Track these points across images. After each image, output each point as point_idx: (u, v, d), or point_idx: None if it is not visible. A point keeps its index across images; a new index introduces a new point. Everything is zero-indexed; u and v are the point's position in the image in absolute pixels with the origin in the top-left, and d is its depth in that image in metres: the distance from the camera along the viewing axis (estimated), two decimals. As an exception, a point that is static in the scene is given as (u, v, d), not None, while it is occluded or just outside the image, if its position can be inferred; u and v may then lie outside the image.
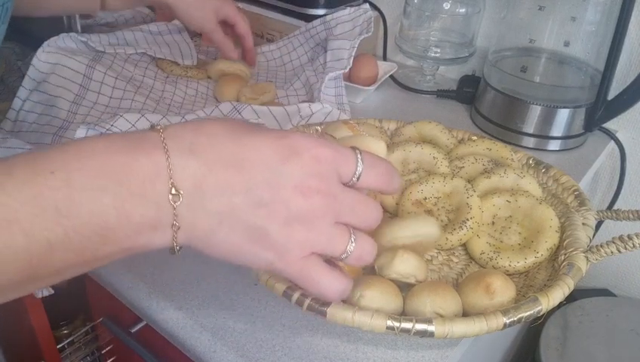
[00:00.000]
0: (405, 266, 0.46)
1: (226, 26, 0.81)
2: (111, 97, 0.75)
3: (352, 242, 0.34)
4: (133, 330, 0.57)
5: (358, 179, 0.34)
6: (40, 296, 0.59)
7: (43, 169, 0.28)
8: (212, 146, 0.31)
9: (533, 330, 0.89)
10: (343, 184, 0.34)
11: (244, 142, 0.32)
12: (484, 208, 0.55)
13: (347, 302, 0.43)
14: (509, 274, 0.51)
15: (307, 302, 0.42)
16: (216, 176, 0.31)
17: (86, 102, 0.72)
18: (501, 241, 0.53)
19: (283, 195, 0.31)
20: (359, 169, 0.34)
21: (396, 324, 0.40)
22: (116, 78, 0.76)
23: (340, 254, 0.34)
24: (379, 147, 0.42)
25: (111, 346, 0.70)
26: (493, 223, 0.55)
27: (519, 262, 0.51)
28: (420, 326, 0.40)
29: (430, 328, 0.40)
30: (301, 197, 0.32)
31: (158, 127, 0.31)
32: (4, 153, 0.60)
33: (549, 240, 0.51)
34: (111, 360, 0.72)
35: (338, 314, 0.41)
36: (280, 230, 0.32)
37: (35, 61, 0.73)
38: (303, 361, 0.44)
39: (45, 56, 0.73)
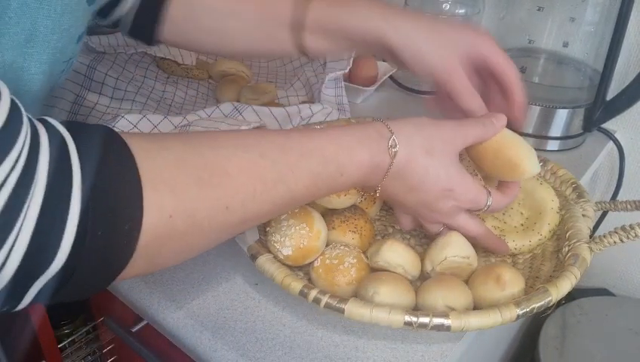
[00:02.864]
0: (392, 255, 0.47)
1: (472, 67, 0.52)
2: (112, 98, 0.75)
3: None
4: (134, 330, 0.57)
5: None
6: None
7: (337, 170, 0.41)
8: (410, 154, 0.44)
9: (532, 329, 0.89)
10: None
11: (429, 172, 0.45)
12: None
13: (361, 298, 0.44)
14: (514, 256, 0.53)
15: (324, 300, 0.42)
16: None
17: (87, 102, 0.73)
18: (505, 222, 0.55)
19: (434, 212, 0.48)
20: (486, 207, 0.48)
21: (414, 319, 0.41)
22: (117, 79, 0.76)
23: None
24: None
25: (112, 345, 0.71)
26: None
27: (524, 244, 0.53)
28: (437, 321, 0.41)
29: (447, 322, 0.41)
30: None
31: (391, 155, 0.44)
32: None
33: (551, 221, 0.53)
34: (112, 359, 0.72)
35: (356, 310, 0.41)
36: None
37: None
38: (303, 361, 0.44)
39: None
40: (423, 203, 0.47)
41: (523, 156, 0.47)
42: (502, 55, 0.50)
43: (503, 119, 0.48)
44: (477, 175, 0.52)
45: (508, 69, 0.50)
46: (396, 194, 0.47)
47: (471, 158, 0.51)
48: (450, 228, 0.50)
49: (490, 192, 0.48)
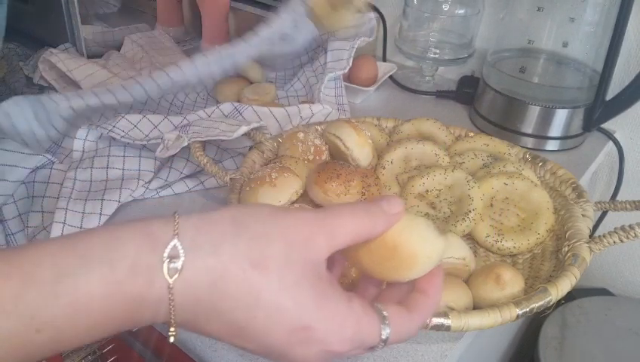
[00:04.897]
0: None
1: None
2: (112, 98, 0.75)
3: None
4: (134, 329, 0.57)
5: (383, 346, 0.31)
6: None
7: (30, 324, 0.25)
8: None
9: (531, 329, 0.89)
10: None
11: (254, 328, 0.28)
12: (482, 191, 0.57)
13: None
14: (513, 256, 0.53)
15: None
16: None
17: (87, 102, 0.73)
18: (501, 223, 0.55)
19: None
20: (382, 344, 0.30)
21: None
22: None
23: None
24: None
25: (112, 345, 0.71)
26: (491, 205, 0.56)
27: (522, 243, 0.53)
28: (436, 321, 0.41)
29: (447, 322, 0.41)
30: None
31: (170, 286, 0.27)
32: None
33: (548, 221, 0.54)
34: (112, 359, 0.72)
35: None
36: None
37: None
38: (303, 360, 0.44)
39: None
40: (270, 353, 0.29)
41: (422, 242, 0.31)
42: None
43: (397, 204, 0.31)
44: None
45: None
46: (226, 340, 0.29)
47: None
48: None
49: (385, 317, 0.30)
